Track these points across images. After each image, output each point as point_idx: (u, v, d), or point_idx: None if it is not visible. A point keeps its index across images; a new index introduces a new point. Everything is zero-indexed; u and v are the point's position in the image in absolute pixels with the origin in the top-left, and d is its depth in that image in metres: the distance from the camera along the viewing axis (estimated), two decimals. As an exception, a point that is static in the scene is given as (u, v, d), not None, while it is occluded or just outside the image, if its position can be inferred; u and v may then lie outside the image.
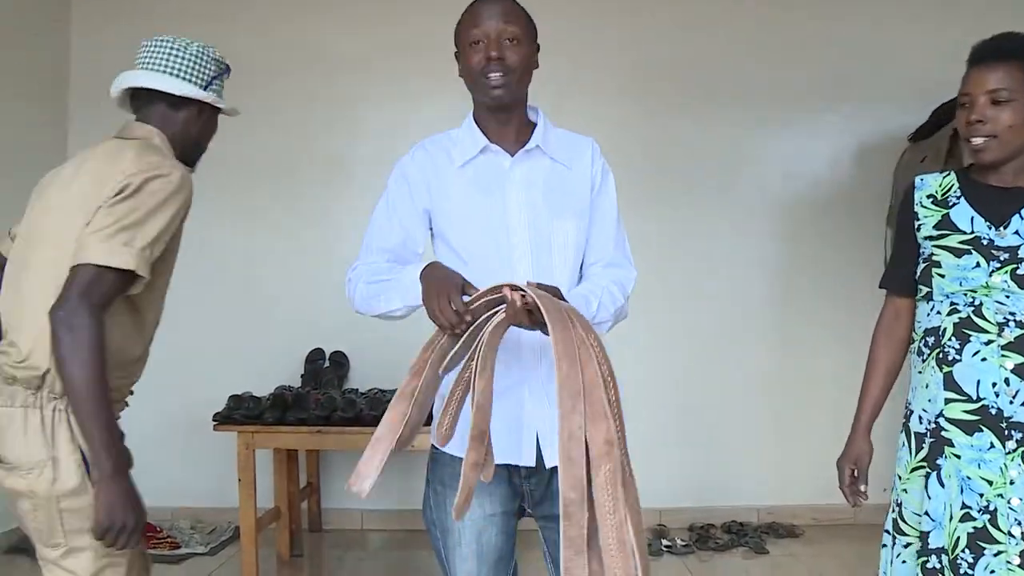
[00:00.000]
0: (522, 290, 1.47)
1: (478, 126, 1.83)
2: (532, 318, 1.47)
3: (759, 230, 4.85)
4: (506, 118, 1.82)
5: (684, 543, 4.37)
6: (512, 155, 1.81)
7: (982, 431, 1.85)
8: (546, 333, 1.41)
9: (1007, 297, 1.85)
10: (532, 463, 1.74)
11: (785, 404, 4.66)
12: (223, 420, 3.85)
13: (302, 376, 4.49)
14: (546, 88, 4.59)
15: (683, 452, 4.63)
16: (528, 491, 1.80)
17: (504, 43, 1.74)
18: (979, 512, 1.82)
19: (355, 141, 4.86)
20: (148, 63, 2.13)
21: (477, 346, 1.48)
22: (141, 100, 2.11)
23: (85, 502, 1.79)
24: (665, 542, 4.37)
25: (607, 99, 4.82)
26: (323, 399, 3.91)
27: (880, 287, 2.17)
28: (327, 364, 4.64)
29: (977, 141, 1.88)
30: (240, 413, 3.84)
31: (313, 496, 4.73)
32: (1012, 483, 1.81)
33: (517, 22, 1.77)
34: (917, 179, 2.06)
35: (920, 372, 1.99)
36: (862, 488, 2.10)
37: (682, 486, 4.72)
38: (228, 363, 4.73)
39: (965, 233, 1.91)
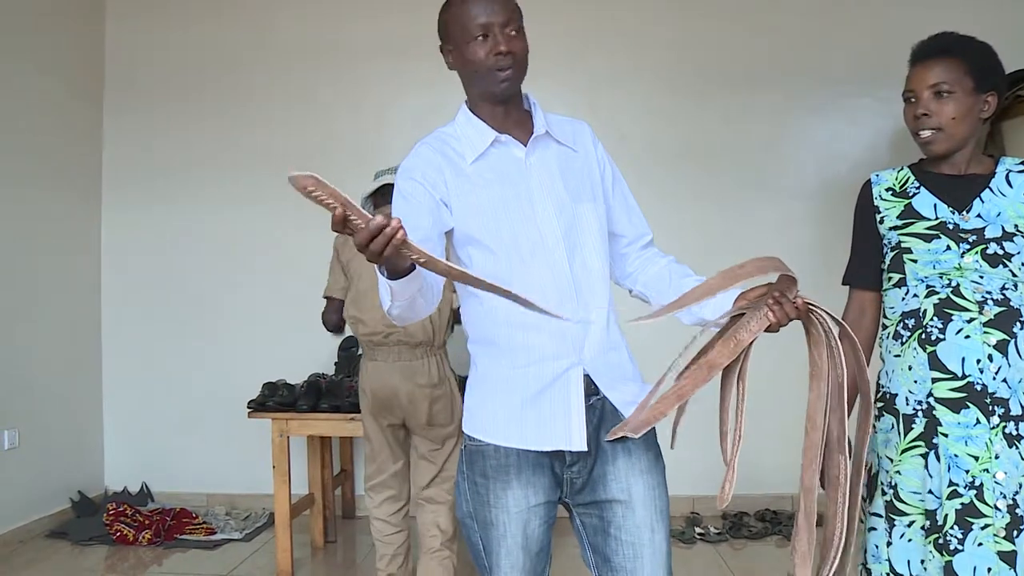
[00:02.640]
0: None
1: (478, 118, 1.80)
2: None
3: (797, 216, 4.81)
4: (508, 108, 1.80)
5: (717, 531, 4.35)
6: (524, 144, 1.79)
7: (968, 408, 1.88)
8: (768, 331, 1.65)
9: (981, 277, 1.91)
10: (584, 447, 1.71)
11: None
12: (257, 407, 3.88)
13: (336, 364, 4.51)
14: (581, 81, 4.67)
15: (717, 440, 4.59)
16: (569, 479, 1.77)
17: (509, 35, 1.72)
18: (965, 488, 1.86)
19: (385, 131, 4.86)
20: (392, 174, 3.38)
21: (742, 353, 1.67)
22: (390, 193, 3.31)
23: (448, 399, 3.37)
24: (698, 530, 4.36)
25: (643, 90, 4.79)
26: (357, 387, 3.92)
27: (844, 283, 2.21)
28: (360, 351, 4.65)
29: (925, 134, 1.97)
30: (274, 401, 3.86)
31: (347, 483, 4.77)
32: (997, 457, 1.85)
33: (515, 12, 1.75)
34: (873, 175, 2.14)
35: (898, 355, 2.01)
36: None
37: (715, 474, 4.67)
38: (262, 351, 4.78)
39: (930, 219, 1.98)
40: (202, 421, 4.87)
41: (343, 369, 4.38)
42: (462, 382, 3.46)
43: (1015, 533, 1.83)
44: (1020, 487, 1.85)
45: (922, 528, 1.94)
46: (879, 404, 2.07)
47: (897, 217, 2.03)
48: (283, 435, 3.81)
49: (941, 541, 1.88)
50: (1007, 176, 1.98)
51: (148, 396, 4.96)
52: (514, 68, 1.74)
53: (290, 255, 4.83)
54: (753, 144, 4.83)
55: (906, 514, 1.97)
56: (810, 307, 1.57)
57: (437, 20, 1.82)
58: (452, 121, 1.84)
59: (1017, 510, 1.84)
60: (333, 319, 3.57)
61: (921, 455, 1.94)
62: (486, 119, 1.79)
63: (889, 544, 1.99)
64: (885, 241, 2.07)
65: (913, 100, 2.00)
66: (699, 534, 4.33)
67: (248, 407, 3.90)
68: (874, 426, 2.07)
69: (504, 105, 1.79)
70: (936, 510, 1.90)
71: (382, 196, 3.46)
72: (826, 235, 4.67)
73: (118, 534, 4.25)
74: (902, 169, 2.10)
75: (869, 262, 2.12)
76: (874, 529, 2.05)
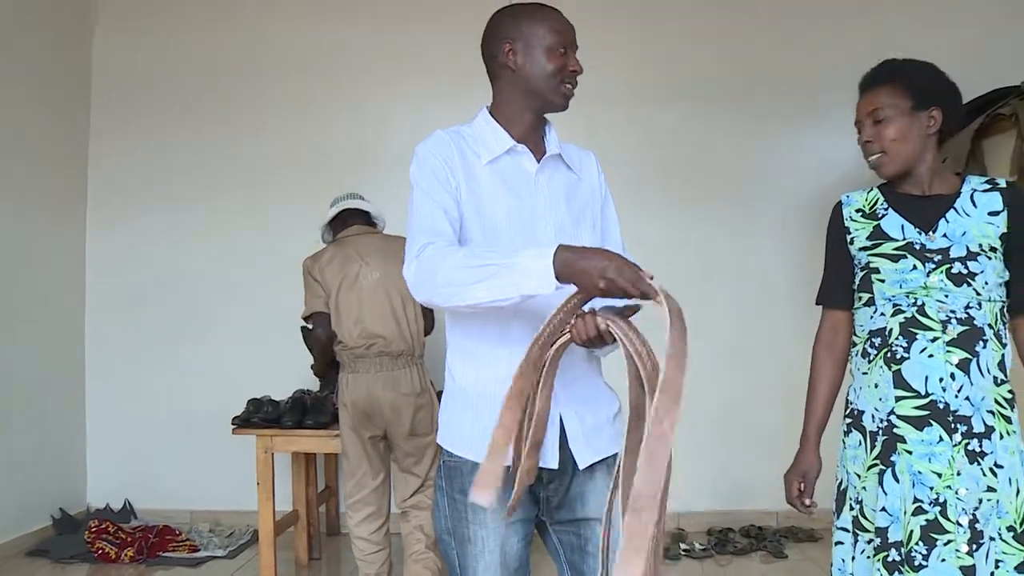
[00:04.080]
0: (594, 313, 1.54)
1: (499, 125, 1.84)
2: (599, 341, 1.55)
3: (780, 232, 4.84)
4: (535, 123, 1.85)
5: (703, 547, 4.35)
6: (537, 159, 1.82)
7: (931, 425, 1.94)
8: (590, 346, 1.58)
9: (946, 296, 1.97)
10: (555, 465, 1.72)
11: (804, 407, 4.64)
12: (242, 424, 3.86)
13: (321, 380, 4.49)
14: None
15: (702, 456, 4.61)
16: (546, 497, 1.78)
17: (577, 59, 1.82)
18: (930, 505, 1.91)
19: (381, 141, 4.87)
20: (356, 200, 3.72)
21: (543, 365, 1.58)
22: (358, 216, 3.69)
23: (430, 408, 3.42)
24: (684, 546, 4.36)
25: (629, 104, 4.82)
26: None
27: (817, 303, 2.27)
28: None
29: (872, 159, 2.07)
30: (259, 417, 3.85)
31: (331, 500, 4.75)
32: (959, 474, 1.91)
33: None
34: (843, 196, 2.22)
35: (866, 373, 2.07)
36: (807, 502, 2.18)
37: (701, 490, 4.70)
38: (247, 367, 4.76)
39: (897, 240, 2.04)
40: (186, 437, 4.85)
41: (328, 385, 4.36)
42: (440, 395, 3.49)
43: (975, 547, 1.89)
44: (980, 502, 1.91)
45: (869, 543, 2.01)
46: (848, 420, 2.13)
47: (866, 238, 2.09)
48: (268, 451, 3.80)
49: (894, 558, 1.93)
50: (972, 196, 2.04)
51: (132, 412, 4.93)
52: (575, 88, 1.83)
53: (277, 269, 4.81)
54: (736, 161, 4.86)
55: (867, 530, 2.03)
56: (611, 328, 1.50)
57: (502, 16, 1.85)
58: (470, 122, 1.87)
59: (977, 525, 1.90)
60: (323, 334, 3.57)
61: (878, 472, 2.00)
62: (508, 127, 1.83)
63: (854, 559, 2.06)
64: (856, 261, 2.14)
65: (860, 129, 2.09)
66: (684, 550, 4.33)
67: (233, 423, 3.88)
68: (843, 442, 2.14)
69: (538, 117, 1.85)
70: (887, 528, 1.95)
71: (340, 223, 3.66)
72: (808, 252, 4.70)
73: (100, 552, 4.22)
74: (872, 190, 2.16)
75: (841, 282, 2.19)
76: (841, 543, 2.11)
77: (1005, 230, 2.00)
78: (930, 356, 1.95)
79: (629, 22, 4.89)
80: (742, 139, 4.87)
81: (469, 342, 1.79)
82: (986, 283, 1.98)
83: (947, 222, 2.01)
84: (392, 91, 4.91)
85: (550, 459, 1.72)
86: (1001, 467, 1.93)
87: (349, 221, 3.65)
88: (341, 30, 4.93)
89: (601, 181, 1.95)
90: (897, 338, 1.99)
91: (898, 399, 1.98)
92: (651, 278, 1.47)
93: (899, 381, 1.98)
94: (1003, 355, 2.00)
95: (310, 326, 3.65)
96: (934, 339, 1.96)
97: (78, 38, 4.99)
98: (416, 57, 4.86)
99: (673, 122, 4.87)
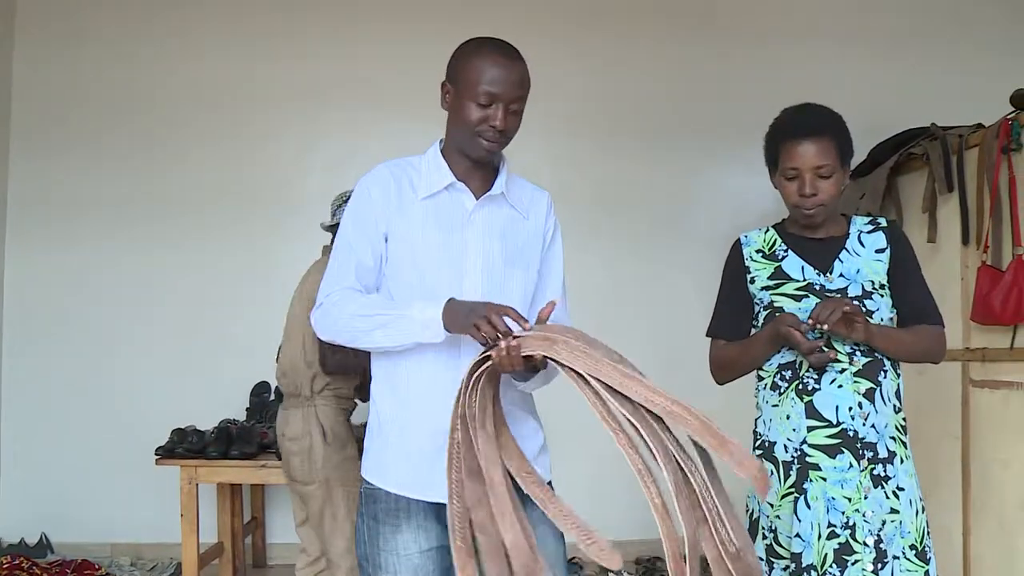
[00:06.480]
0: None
1: (445, 160, 1.85)
2: (524, 366, 1.60)
3: (708, 266, 4.92)
4: (479, 165, 1.85)
5: (630, 575, 4.39)
6: (476, 197, 1.83)
7: (843, 452, 2.04)
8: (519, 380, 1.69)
9: None
10: None
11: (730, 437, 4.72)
12: (166, 454, 3.79)
13: (247, 409, 4.44)
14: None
15: (630, 485, 4.63)
16: None
17: (509, 111, 1.77)
18: (842, 528, 2.02)
19: (303, 173, 4.85)
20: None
21: (469, 398, 1.60)
22: None
23: (306, 454, 3.14)
24: (611, 575, 4.38)
25: (558, 137, 4.89)
26: (268, 433, 3.88)
27: (708, 335, 2.34)
28: (272, 397, 4.60)
29: (811, 211, 2.10)
30: (183, 447, 3.79)
31: (257, 531, 4.68)
32: (866, 498, 2.02)
33: (525, 90, 1.82)
34: (742, 236, 2.30)
35: (776, 405, 2.15)
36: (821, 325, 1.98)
37: (629, 519, 4.71)
38: (172, 396, 4.67)
39: (799, 281, 2.14)
40: (107, 468, 4.72)
41: (254, 415, 4.32)
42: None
43: (880, 566, 1.99)
44: (884, 523, 2.02)
45: (785, 570, 2.10)
46: (758, 452, 2.20)
47: (768, 278, 2.18)
48: (192, 482, 3.73)
49: None
50: (859, 236, 2.17)
51: (49, 440, 4.78)
52: (500, 143, 1.80)
53: (201, 299, 4.76)
54: (665, 194, 4.97)
55: (783, 557, 2.11)
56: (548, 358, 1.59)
57: (456, 51, 1.85)
58: (423, 153, 1.89)
59: (881, 545, 2.00)
60: None
61: (793, 500, 2.08)
62: (452, 164, 1.84)
63: None
64: (757, 300, 2.21)
65: (797, 178, 2.11)
66: (612, 579, 4.36)
67: (156, 453, 3.80)
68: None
69: (481, 163, 1.84)
70: (801, 553, 2.03)
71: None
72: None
73: (13, 588, 4.09)
74: (768, 230, 2.25)
75: (736, 317, 2.27)
76: None
77: (889, 265, 2.14)
78: (839, 387, 2.05)
79: (557, 54, 4.96)
80: (666, 175, 4.97)
81: (386, 371, 1.82)
82: (882, 319, 2.10)
83: (841, 262, 2.13)
84: (314, 124, 4.90)
85: None
86: (903, 490, 2.05)
87: None
88: (265, 62, 4.90)
89: (550, 224, 1.96)
90: (808, 371, 2.08)
91: (810, 429, 2.06)
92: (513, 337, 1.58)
93: (811, 412, 2.07)
94: (899, 385, 2.13)
95: None
96: (842, 370, 2.06)
97: None
98: (338, 90, 4.86)
99: (599, 155, 4.94)
